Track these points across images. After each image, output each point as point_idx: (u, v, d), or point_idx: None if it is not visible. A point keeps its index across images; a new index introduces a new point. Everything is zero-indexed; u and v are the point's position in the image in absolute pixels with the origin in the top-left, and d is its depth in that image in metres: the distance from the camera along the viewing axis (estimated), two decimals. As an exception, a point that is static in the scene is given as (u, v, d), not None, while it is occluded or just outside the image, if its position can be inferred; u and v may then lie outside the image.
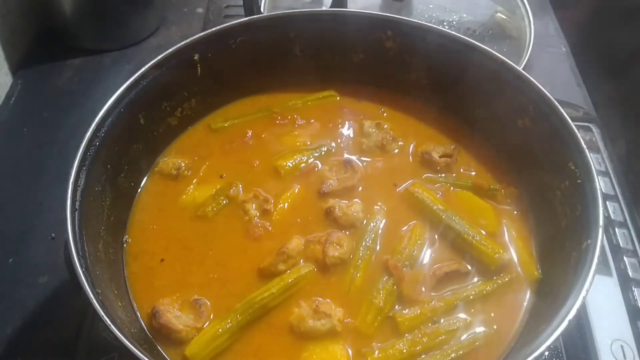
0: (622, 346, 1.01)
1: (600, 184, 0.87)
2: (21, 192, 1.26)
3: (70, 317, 1.02)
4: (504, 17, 1.47)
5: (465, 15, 1.47)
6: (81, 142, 0.87)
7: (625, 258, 1.14)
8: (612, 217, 1.20)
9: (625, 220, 1.20)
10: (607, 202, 1.22)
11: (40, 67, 1.54)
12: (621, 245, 1.16)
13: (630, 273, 1.11)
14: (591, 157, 0.88)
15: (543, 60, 1.56)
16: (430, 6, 1.48)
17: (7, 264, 1.14)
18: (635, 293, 1.08)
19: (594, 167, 0.87)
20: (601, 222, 0.81)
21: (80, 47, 1.57)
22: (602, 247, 0.82)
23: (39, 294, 1.09)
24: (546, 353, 0.95)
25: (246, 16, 1.11)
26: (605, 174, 1.27)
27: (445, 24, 1.44)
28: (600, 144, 1.33)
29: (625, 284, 1.10)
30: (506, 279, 0.92)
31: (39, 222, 1.20)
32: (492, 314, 0.89)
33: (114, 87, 0.94)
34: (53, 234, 1.17)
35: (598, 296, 1.06)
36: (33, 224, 1.20)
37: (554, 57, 1.61)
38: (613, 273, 1.11)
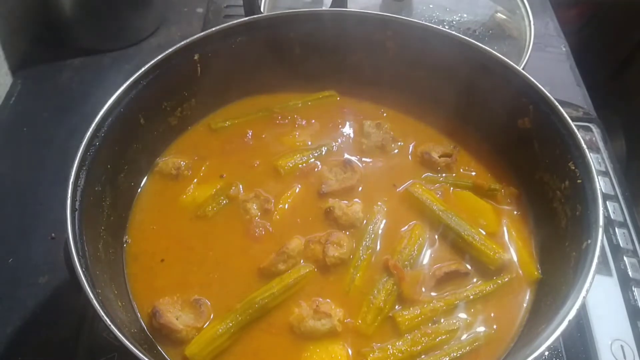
0: (622, 346, 1.01)
1: (600, 184, 0.87)
2: (21, 192, 1.26)
3: (70, 317, 1.02)
4: (504, 17, 1.47)
5: (465, 15, 1.46)
6: (81, 142, 0.87)
7: (625, 258, 1.14)
8: (612, 217, 1.20)
9: (625, 220, 1.20)
10: (607, 202, 1.22)
11: (40, 67, 1.54)
12: (621, 245, 1.16)
13: (630, 273, 1.11)
14: (591, 157, 0.88)
15: (543, 60, 1.56)
16: (430, 6, 1.48)
17: (7, 264, 1.14)
18: (635, 293, 1.08)
19: (594, 167, 0.87)
20: (601, 222, 0.81)
21: (80, 47, 1.57)
22: (602, 247, 0.82)
23: (39, 294, 1.09)
24: (546, 353, 0.95)
25: (246, 16, 1.11)
26: (605, 174, 1.27)
27: (445, 24, 1.44)
28: (600, 144, 1.33)
29: (625, 284, 1.10)
30: (506, 279, 0.92)
31: (39, 222, 1.20)
32: (492, 314, 0.89)
33: (114, 87, 0.94)
34: (53, 234, 1.17)
35: (598, 296, 1.06)
36: (33, 224, 1.20)
37: (554, 57, 1.61)
38: (613, 273, 1.11)
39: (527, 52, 1.32)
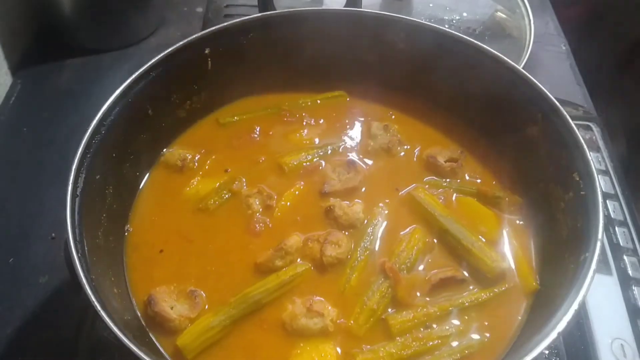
0: (622, 345, 1.01)
1: (601, 183, 0.86)
2: (21, 192, 1.26)
3: (70, 317, 1.02)
4: (504, 16, 1.47)
5: (465, 14, 1.46)
6: (83, 137, 0.86)
7: (625, 257, 1.13)
8: (612, 216, 1.20)
9: (625, 219, 1.20)
10: (607, 201, 1.21)
11: (40, 67, 1.54)
12: (621, 244, 1.16)
13: (630, 272, 1.11)
14: (593, 165, 0.86)
15: (543, 59, 1.56)
16: (430, 5, 1.48)
17: (7, 264, 1.14)
18: (635, 292, 1.08)
19: (596, 170, 0.86)
20: (600, 236, 0.80)
21: (80, 47, 1.57)
22: (602, 246, 0.80)
23: (39, 294, 1.09)
24: (546, 352, 0.95)
25: (260, 12, 1.10)
26: (605, 172, 1.27)
27: (445, 23, 1.44)
28: (600, 143, 1.33)
29: (625, 282, 1.09)
30: (503, 288, 0.91)
31: (39, 222, 1.20)
32: (486, 323, 0.88)
33: (113, 87, 0.94)
34: (53, 234, 1.17)
35: (598, 295, 1.06)
36: (33, 224, 1.20)
37: (554, 56, 1.61)
38: (613, 272, 1.11)
39: (527, 51, 1.32)
